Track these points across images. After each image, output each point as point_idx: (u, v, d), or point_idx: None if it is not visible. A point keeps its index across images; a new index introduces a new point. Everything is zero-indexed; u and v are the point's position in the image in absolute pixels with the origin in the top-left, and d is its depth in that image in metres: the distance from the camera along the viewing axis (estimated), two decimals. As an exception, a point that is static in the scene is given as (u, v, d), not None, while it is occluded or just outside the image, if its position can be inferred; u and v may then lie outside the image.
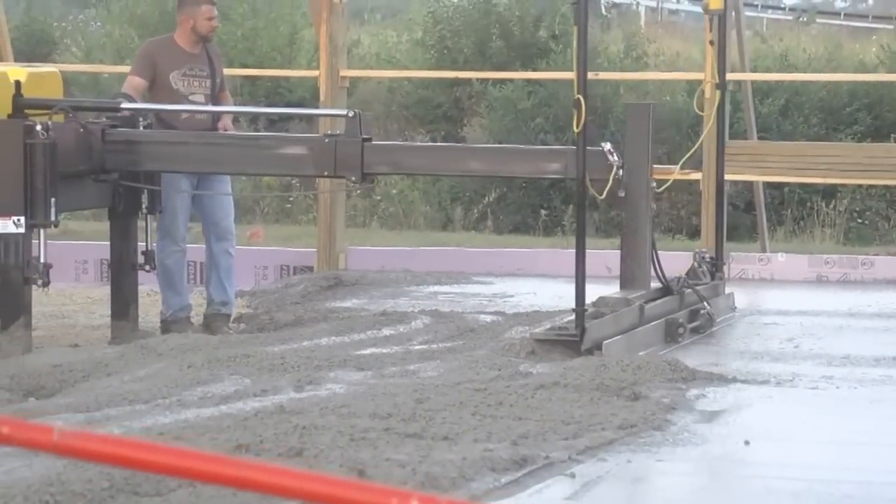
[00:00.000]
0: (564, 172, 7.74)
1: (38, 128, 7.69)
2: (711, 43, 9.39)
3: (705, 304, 8.43)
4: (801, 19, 27.32)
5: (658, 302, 8.17)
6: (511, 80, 18.12)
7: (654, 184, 8.14)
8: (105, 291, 9.00)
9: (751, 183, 12.10)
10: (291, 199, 16.70)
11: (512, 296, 9.88)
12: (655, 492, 5.38)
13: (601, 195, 7.75)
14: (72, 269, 10.74)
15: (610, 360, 7.00)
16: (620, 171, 7.78)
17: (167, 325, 8.69)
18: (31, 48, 21.90)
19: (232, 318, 8.96)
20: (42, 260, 7.75)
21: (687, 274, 8.79)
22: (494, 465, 5.20)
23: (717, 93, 9.30)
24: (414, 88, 19.76)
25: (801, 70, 18.53)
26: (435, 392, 6.30)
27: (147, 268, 8.56)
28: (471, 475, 5.07)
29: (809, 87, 18.10)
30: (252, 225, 14.14)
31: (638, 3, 31.07)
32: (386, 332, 8.04)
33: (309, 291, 9.87)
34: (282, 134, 8.62)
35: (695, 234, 14.51)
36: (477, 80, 18.25)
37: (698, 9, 30.49)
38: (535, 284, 10.34)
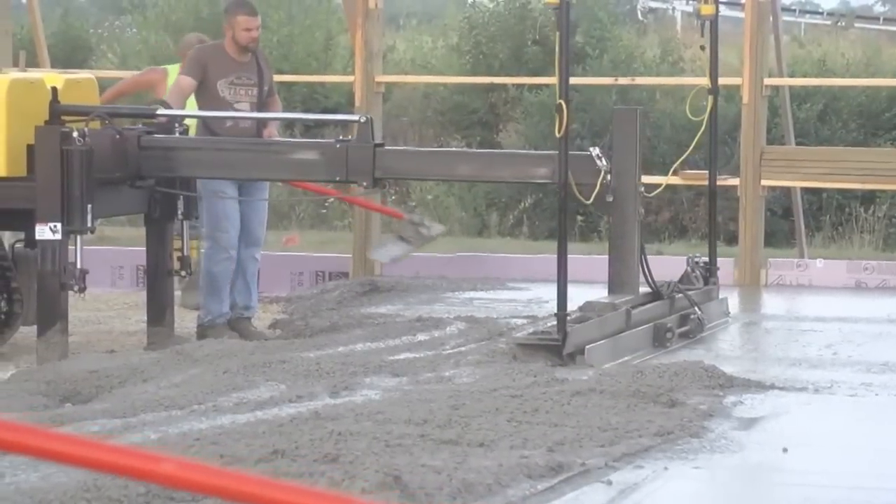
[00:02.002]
0: (552, 177, 7.72)
1: (75, 134, 7.72)
2: (703, 48, 9.38)
3: (696, 308, 8.40)
4: (839, 24, 27.18)
5: (647, 307, 8.17)
6: (547, 86, 18.09)
7: (643, 188, 8.12)
8: (141, 297, 9.02)
9: (788, 189, 12.03)
10: (327, 204, 16.72)
11: (547, 301, 9.83)
12: (693, 499, 5.34)
13: (588, 200, 7.74)
14: (108, 274, 10.77)
15: (646, 367, 6.97)
16: (609, 176, 7.76)
17: (203, 331, 8.71)
18: (68, 55, 22.01)
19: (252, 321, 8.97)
20: (78, 266, 7.78)
21: (680, 279, 8.78)
22: (530, 471, 5.18)
23: (710, 98, 9.29)
24: (449, 94, 19.76)
25: (839, 75, 18.44)
26: (470, 398, 6.29)
27: (182, 273, 8.58)
28: (507, 482, 5.06)
29: (848, 92, 18.01)
30: (288, 231, 14.16)
31: (674, 8, 30.99)
32: (420, 337, 8.04)
33: (344, 297, 9.87)
34: (294, 139, 8.62)
35: (732, 239, 14.44)
36: (512, 85, 18.24)
37: (735, 13, 30.39)
38: (570, 290, 10.29)
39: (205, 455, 5.24)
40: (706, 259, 9.22)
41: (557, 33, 7.47)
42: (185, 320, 9.03)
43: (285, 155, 8.25)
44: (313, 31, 20.98)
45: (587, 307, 7.79)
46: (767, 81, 10.95)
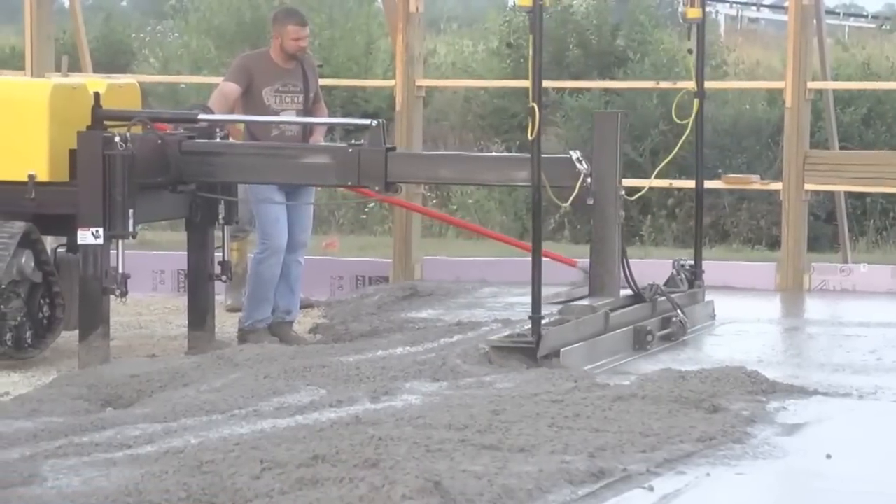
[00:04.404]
0: (532, 180, 7.73)
1: (117, 139, 7.75)
2: (690, 52, 9.39)
3: (678, 311, 8.39)
4: (883, 27, 27.01)
5: (627, 309, 8.18)
6: (588, 90, 18.06)
7: (623, 191, 8.13)
8: (182, 301, 9.05)
9: (832, 193, 11.96)
10: (367, 209, 16.74)
11: (588, 306, 9.82)
12: (735, 506, 5.31)
13: (566, 203, 7.76)
14: (149, 279, 10.80)
15: (689, 372, 6.94)
16: (589, 179, 7.78)
17: (244, 335, 8.72)
18: (110, 59, 22.13)
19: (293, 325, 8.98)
20: (120, 270, 7.80)
21: (666, 282, 8.78)
22: (571, 477, 5.16)
23: (696, 101, 9.28)
24: (490, 98, 19.74)
25: (883, 78, 18.32)
26: (511, 403, 6.28)
27: (223, 278, 8.60)
28: (547, 487, 5.05)
29: (892, 95, 17.87)
30: (328, 235, 14.18)
31: (717, 12, 30.87)
32: (456, 339, 8.04)
33: (385, 302, 9.87)
34: (306, 144, 8.64)
35: (775, 244, 14.36)
36: (553, 89, 18.19)
37: (779, 17, 30.25)
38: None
39: (245, 459, 5.24)
40: (692, 262, 9.22)
41: (531, 37, 7.49)
42: (225, 325, 9.05)
43: (296, 159, 8.28)
44: (354, 35, 21.00)
45: (565, 310, 7.84)
46: (811, 85, 10.89)
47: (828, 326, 9.34)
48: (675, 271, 9.03)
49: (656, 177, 10.60)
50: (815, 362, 7.94)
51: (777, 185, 11.07)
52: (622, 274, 8.20)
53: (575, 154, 7.89)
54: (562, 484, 5.10)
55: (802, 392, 6.89)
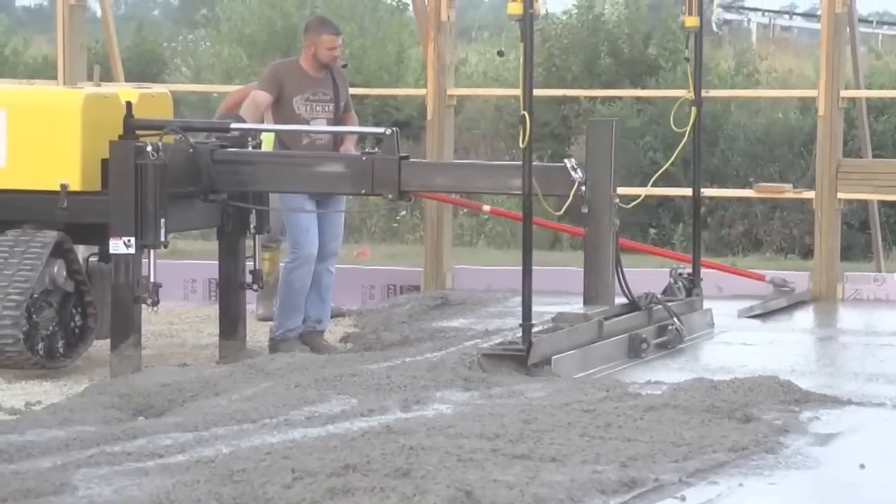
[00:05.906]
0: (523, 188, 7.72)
1: (149, 149, 7.77)
2: (687, 59, 9.38)
3: (675, 319, 8.35)
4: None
5: (622, 318, 8.16)
6: (620, 98, 18.04)
7: (618, 199, 8.11)
8: (213, 310, 9.06)
9: (865, 201, 11.90)
10: (398, 217, 16.76)
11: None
12: (768, 516, 5.29)
13: (560, 211, 7.69)
14: (180, 288, 10.82)
15: (721, 382, 6.91)
16: (583, 188, 7.77)
17: (275, 344, 8.73)
18: (142, 68, 22.24)
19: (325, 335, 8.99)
20: (152, 279, 7.83)
21: (664, 291, 8.76)
22: (603, 486, 5.15)
23: (693, 110, 9.26)
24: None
25: (916, 86, 18.24)
26: (542, 413, 6.26)
27: (254, 287, 8.61)
28: (579, 497, 5.03)
29: (925, 103, 17.80)
30: (359, 244, 14.20)
31: (749, 20, 30.81)
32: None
33: (416, 311, 9.87)
34: (320, 153, 8.65)
35: (807, 253, 14.31)
36: (585, 98, 18.18)
37: (811, 25, 30.15)
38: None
39: (276, 469, 5.24)
40: (689, 270, 9.22)
41: (521, 44, 7.49)
42: (256, 334, 9.07)
43: (310, 167, 8.30)
44: (385, 44, 21.05)
45: (559, 318, 7.84)
46: (844, 93, 10.84)
47: (861, 336, 9.29)
48: (672, 280, 9.01)
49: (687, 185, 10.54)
50: (848, 372, 7.90)
51: (810, 194, 11.02)
52: (620, 282, 8.20)
53: (570, 162, 7.90)
54: (593, 494, 5.08)
55: (836, 402, 6.85)
